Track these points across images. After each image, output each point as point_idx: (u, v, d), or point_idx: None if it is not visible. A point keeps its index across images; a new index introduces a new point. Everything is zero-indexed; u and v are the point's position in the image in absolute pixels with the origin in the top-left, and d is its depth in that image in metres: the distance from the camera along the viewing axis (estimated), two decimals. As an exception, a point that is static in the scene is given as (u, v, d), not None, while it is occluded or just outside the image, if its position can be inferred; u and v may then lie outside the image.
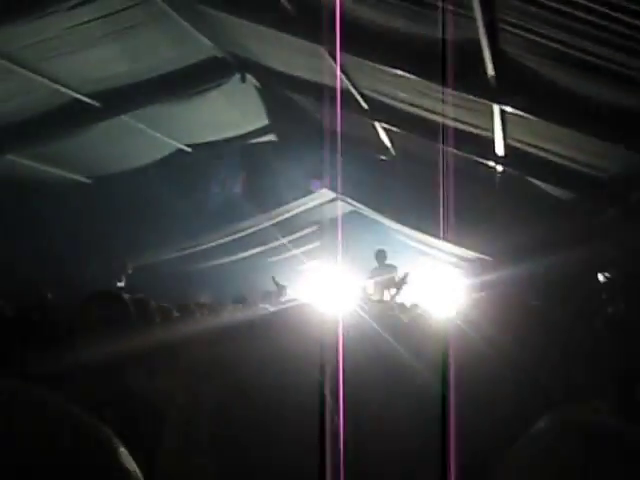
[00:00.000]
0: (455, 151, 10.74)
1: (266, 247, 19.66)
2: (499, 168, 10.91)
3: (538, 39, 6.53)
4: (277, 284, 13.76)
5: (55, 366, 4.24)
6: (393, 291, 14.77)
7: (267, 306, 6.88)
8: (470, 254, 13.71)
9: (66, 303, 10.28)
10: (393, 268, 16.09)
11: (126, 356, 4.22)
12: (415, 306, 10.22)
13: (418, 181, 12.11)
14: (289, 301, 6.43)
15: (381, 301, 12.69)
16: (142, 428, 3.93)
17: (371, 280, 15.59)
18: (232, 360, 4.31)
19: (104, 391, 3.93)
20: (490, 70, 7.42)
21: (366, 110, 11.65)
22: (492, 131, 9.28)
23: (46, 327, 5.72)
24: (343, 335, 4.60)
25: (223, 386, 4.12)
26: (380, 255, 16.48)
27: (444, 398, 3.21)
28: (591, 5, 5.41)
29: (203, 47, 12.72)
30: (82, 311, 4.78)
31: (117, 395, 3.96)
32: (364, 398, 2.81)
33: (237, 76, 13.78)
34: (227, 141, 16.93)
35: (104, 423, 1.30)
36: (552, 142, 9.10)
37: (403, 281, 13.66)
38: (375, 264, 16.45)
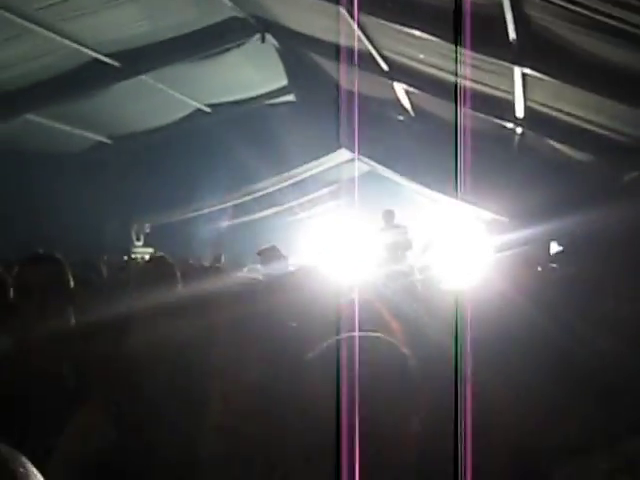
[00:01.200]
0: (474, 113, 10.75)
1: (283, 207, 19.71)
2: (518, 130, 10.91)
3: (560, 2, 6.52)
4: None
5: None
6: (406, 252, 14.62)
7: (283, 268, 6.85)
8: (487, 215, 13.71)
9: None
10: (402, 228, 15.72)
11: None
12: (428, 268, 10.26)
13: (436, 142, 12.10)
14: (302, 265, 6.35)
15: (392, 263, 12.66)
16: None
17: (379, 241, 15.17)
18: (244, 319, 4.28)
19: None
20: (512, 32, 7.41)
21: (386, 71, 11.63)
22: (512, 93, 9.27)
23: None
24: (357, 298, 4.54)
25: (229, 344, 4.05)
26: (387, 215, 15.91)
27: (457, 360, 3.10)
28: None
29: (223, 7, 12.70)
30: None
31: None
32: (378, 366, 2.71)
33: (257, 36, 13.75)
34: (246, 101, 16.93)
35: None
36: (573, 105, 9.10)
37: (428, 246, 13.14)
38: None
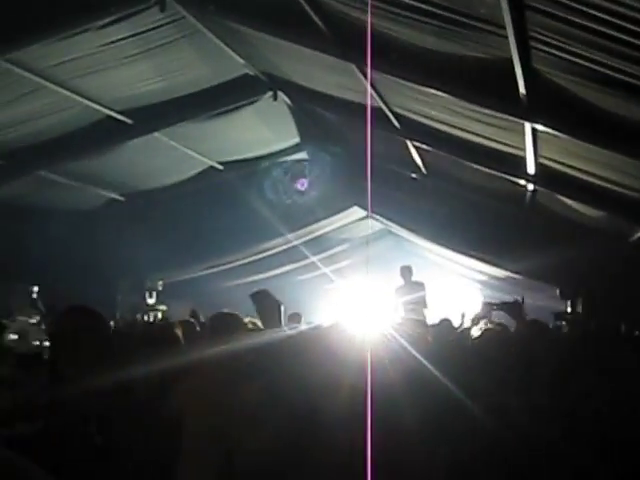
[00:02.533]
0: (486, 169, 10.73)
1: (297, 265, 19.68)
2: (530, 186, 10.87)
3: (571, 57, 6.51)
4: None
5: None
6: (424, 308, 14.61)
7: (301, 326, 7.05)
8: (501, 272, 13.65)
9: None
10: (421, 285, 15.59)
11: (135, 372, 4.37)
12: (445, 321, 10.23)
13: (449, 199, 12.10)
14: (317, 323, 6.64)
15: (412, 319, 12.61)
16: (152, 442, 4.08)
17: (399, 298, 15.16)
18: (269, 376, 4.55)
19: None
20: (522, 88, 7.40)
21: (397, 128, 11.63)
22: (523, 149, 9.25)
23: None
24: (373, 355, 4.75)
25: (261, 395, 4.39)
26: (406, 271, 15.59)
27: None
28: (624, 24, 5.39)
29: (235, 65, 12.76)
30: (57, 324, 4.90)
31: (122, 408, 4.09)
32: (392, 412, 2.93)
33: (269, 94, 13.81)
34: (258, 159, 16.97)
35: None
36: (584, 161, 9.07)
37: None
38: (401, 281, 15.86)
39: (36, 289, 14.34)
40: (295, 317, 11.12)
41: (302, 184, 16.81)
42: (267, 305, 5.59)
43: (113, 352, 4.48)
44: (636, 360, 5.91)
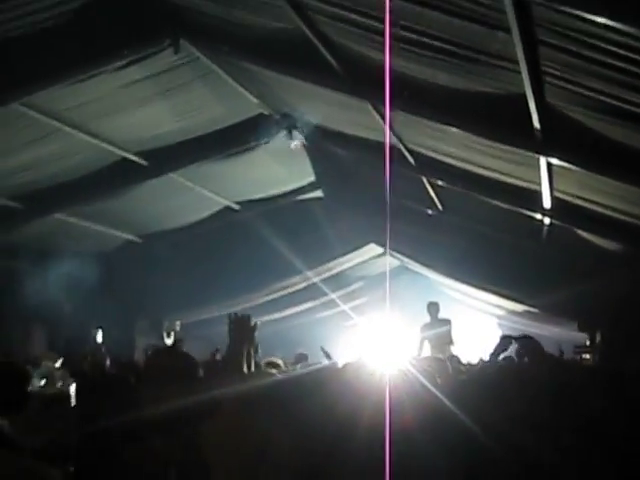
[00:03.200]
0: (502, 204, 10.72)
1: (315, 302, 19.67)
2: (547, 220, 10.85)
3: (584, 91, 6.52)
4: (326, 354, 13.15)
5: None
6: (450, 345, 14.56)
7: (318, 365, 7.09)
8: (518, 307, 13.59)
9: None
10: (447, 322, 15.45)
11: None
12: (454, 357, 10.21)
13: (465, 234, 12.08)
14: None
15: (438, 357, 12.56)
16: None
17: (425, 335, 15.09)
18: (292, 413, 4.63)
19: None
20: (536, 122, 7.40)
21: (413, 165, 11.65)
22: (539, 183, 9.25)
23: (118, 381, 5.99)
24: (391, 391, 4.79)
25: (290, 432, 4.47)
26: (433, 308, 15.44)
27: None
28: (635, 57, 5.39)
29: (249, 104, 12.84)
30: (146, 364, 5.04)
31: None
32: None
33: (283, 133, 13.87)
34: (274, 198, 17.01)
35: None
36: (600, 194, 9.05)
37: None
38: (427, 318, 15.68)
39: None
40: (301, 357, 11.01)
41: (317, 222, 16.81)
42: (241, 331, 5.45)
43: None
44: None
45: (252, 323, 5.37)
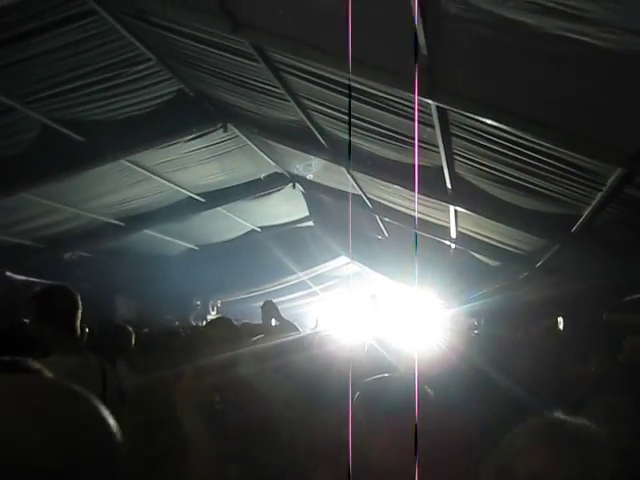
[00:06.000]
0: (424, 234, 10.74)
1: (304, 292, 19.64)
2: (452, 246, 10.89)
3: (479, 166, 6.57)
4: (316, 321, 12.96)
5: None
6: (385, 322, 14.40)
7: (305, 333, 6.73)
8: (433, 298, 13.57)
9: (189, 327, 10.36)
10: (383, 306, 15.22)
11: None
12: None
13: (400, 253, 12.08)
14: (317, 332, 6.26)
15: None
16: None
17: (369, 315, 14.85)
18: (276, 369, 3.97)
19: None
20: (448, 184, 7.45)
21: (370, 207, 11.69)
22: (448, 222, 9.29)
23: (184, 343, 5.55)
24: (355, 356, 4.31)
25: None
26: (373, 297, 15.23)
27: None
28: (516, 147, 5.45)
29: (269, 165, 12.88)
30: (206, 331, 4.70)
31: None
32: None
33: (290, 184, 13.92)
34: (282, 225, 17.04)
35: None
36: (487, 230, 9.10)
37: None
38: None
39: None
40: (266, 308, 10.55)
41: (307, 241, 16.80)
42: (270, 316, 5.32)
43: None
44: None
45: (276, 307, 5.36)
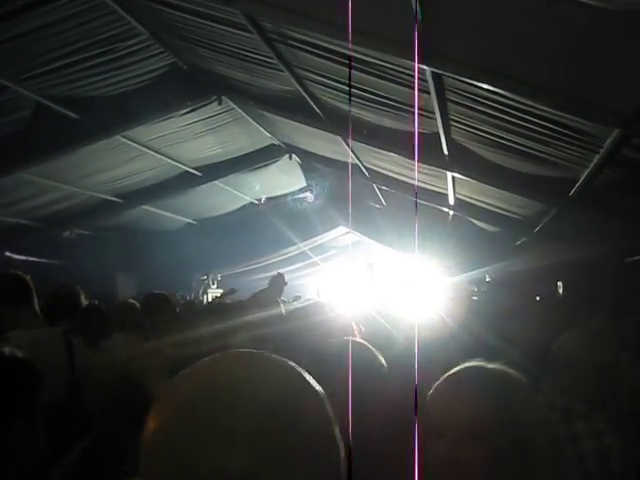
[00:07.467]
0: (423, 202, 10.75)
1: (305, 263, 19.69)
2: (450, 212, 10.91)
3: (475, 131, 6.56)
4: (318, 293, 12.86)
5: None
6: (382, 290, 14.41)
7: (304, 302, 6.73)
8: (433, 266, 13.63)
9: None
10: (380, 274, 15.23)
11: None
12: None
13: (399, 221, 12.11)
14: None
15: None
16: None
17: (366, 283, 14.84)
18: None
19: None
20: (445, 150, 7.44)
21: (367, 176, 11.68)
22: (446, 189, 9.29)
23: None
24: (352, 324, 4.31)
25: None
26: (369, 266, 15.20)
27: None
28: (513, 112, 5.44)
29: (265, 137, 12.84)
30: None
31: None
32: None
33: (287, 156, 13.89)
34: (280, 197, 17.03)
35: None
36: (485, 196, 9.11)
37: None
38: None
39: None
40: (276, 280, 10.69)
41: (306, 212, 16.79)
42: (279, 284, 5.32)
43: None
44: None
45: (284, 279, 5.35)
